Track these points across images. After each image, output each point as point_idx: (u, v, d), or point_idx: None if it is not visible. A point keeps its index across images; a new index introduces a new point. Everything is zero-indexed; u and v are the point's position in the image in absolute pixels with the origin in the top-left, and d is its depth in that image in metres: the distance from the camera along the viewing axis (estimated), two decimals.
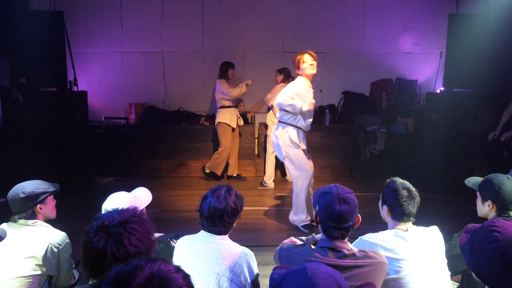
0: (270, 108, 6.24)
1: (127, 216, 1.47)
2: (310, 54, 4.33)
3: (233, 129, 6.32)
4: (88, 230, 1.46)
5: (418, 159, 6.53)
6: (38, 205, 2.38)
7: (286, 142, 4.29)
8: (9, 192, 2.38)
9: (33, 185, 2.41)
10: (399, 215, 2.15)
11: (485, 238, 1.36)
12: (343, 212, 1.84)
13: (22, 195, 2.34)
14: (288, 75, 6.07)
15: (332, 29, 7.17)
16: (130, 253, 1.40)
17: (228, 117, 6.23)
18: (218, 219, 2.12)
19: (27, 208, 2.35)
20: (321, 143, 6.72)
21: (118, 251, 1.39)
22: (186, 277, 0.95)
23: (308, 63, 4.28)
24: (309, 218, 4.36)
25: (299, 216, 4.38)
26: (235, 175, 6.57)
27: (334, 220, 1.85)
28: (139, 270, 0.89)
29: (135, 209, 1.54)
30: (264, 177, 6.29)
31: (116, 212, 1.50)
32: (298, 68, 4.34)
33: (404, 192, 2.15)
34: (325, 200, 1.88)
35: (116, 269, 0.92)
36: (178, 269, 0.95)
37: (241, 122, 6.52)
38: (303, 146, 4.35)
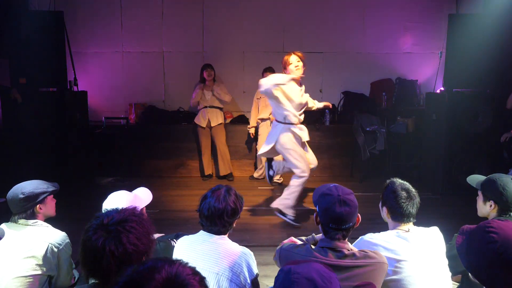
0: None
1: (126, 215, 1.47)
2: (297, 55, 4.29)
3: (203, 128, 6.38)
4: (87, 228, 1.46)
5: (418, 159, 6.52)
6: (37, 205, 2.38)
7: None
8: (9, 193, 2.37)
9: (32, 186, 2.40)
10: (399, 216, 2.16)
11: (482, 239, 1.36)
12: (343, 213, 1.85)
13: (21, 196, 2.33)
14: None
15: (332, 29, 7.17)
16: (128, 251, 1.40)
17: (198, 117, 6.41)
18: (218, 219, 2.12)
19: (26, 209, 2.35)
20: (321, 143, 6.70)
21: (117, 249, 1.39)
22: (202, 280, 0.91)
23: (294, 64, 4.26)
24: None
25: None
26: (206, 174, 6.56)
27: (334, 222, 1.86)
28: (156, 272, 0.83)
29: (134, 208, 1.54)
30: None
31: (115, 211, 1.50)
32: (285, 69, 4.32)
33: (403, 193, 2.16)
34: (325, 202, 1.89)
35: (130, 270, 0.86)
36: (195, 272, 0.90)
37: (218, 121, 6.39)
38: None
